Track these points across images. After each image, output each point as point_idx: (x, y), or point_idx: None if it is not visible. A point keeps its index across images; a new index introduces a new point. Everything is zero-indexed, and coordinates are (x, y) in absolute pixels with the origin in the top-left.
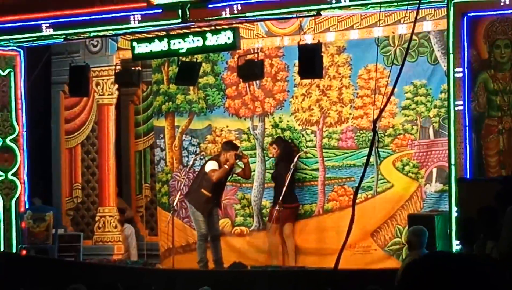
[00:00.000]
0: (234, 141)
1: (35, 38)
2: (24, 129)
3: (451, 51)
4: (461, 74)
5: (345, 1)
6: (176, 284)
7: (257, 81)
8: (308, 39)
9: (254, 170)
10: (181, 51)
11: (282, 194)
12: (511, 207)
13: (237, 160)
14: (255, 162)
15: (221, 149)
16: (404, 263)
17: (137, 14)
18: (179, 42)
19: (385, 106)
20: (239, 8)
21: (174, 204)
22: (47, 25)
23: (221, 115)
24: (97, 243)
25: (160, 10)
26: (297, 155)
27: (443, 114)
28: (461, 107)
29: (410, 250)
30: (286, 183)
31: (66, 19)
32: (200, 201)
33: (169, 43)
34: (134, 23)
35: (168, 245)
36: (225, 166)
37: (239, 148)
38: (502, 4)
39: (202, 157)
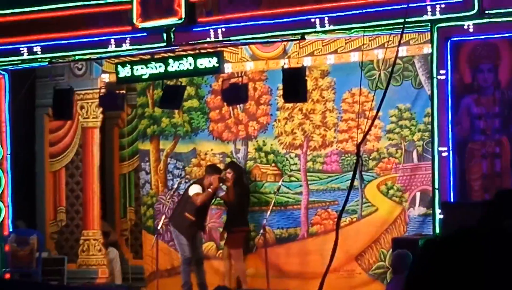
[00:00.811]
0: (218, 165)
1: (19, 62)
2: (8, 152)
3: (435, 75)
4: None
5: (329, 26)
6: None
7: (241, 105)
8: (292, 63)
9: None
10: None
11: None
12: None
13: (221, 184)
14: None
15: (205, 172)
16: (387, 287)
17: (122, 37)
18: (160, 66)
19: (369, 129)
20: (224, 32)
21: (159, 227)
22: (31, 48)
23: (205, 138)
24: (81, 266)
25: (145, 34)
26: (281, 179)
27: (427, 138)
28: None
29: (395, 273)
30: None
31: (50, 43)
32: (184, 225)
33: (146, 67)
34: (119, 46)
35: (153, 268)
36: (209, 189)
37: (222, 172)
38: (465, 28)
39: (187, 180)
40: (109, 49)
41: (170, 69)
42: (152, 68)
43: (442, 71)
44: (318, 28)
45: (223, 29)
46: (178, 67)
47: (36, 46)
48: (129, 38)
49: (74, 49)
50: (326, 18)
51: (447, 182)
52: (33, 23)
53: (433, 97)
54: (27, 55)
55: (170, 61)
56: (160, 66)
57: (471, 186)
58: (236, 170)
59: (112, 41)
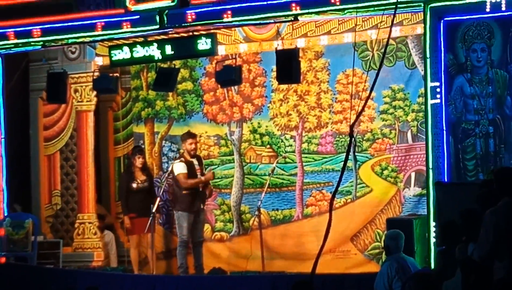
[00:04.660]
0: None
1: (12, 45)
2: (3, 136)
3: (428, 55)
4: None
5: (321, 6)
6: None
7: (236, 87)
8: (286, 44)
9: (233, 176)
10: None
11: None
12: (490, 210)
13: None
14: (233, 168)
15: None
16: (382, 267)
17: (115, 20)
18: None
19: (362, 110)
20: (216, 13)
21: (154, 210)
22: (24, 32)
23: (199, 120)
24: (77, 250)
25: (138, 17)
26: (276, 161)
27: (421, 118)
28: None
29: (388, 254)
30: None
31: (43, 26)
32: (185, 201)
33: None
34: (112, 29)
35: (148, 251)
36: (202, 178)
37: (196, 136)
38: (487, 8)
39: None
40: (102, 32)
41: (163, 51)
42: (145, 50)
43: (435, 51)
44: (312, 9)
45: (216, 11)
46: (172, 49)
47: (28, 29)
48: (122, 21)
49: (67, 33)
50: None
51: (441, 162)
52: (26, 6)
53: (426, 77)
54: (20, 38)
55: (163, 43)
56: (153, 49)
57: (465, 165)
58: (144, 154)
59: (105, 24)
